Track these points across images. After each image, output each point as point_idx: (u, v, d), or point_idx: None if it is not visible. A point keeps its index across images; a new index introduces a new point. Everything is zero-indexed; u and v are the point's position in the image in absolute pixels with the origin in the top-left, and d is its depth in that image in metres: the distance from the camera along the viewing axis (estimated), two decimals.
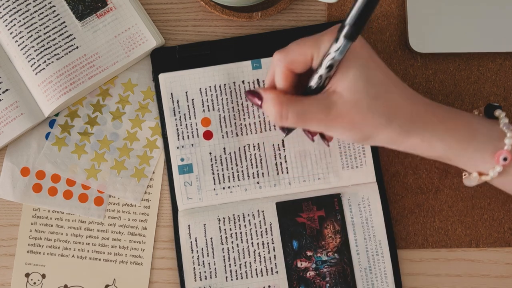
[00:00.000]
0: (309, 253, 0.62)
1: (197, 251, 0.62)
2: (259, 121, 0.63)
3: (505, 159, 0.54)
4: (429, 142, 0.54)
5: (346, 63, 0.52)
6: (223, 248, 0.62)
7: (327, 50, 0.52)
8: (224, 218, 0.63)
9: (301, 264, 0.62)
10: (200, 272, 0.62)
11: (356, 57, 0.52)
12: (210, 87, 0.63)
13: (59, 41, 0.62)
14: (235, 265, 0.62)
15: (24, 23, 0.62)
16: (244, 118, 0.63)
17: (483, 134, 0.54)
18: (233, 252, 0.62)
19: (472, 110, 0.64)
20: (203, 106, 0.63)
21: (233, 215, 0.63)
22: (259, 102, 0.56)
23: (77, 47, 0.63)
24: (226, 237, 0.63)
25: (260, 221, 0.63)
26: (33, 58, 0.62)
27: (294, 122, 0.53)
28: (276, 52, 0.55)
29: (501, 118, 0.56)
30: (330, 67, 0.52)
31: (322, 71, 0.52)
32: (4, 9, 0.62)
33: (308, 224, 0.62)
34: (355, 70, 0.52)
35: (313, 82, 0.54)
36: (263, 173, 0.63)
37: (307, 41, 0.54)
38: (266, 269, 0.62)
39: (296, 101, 0.53)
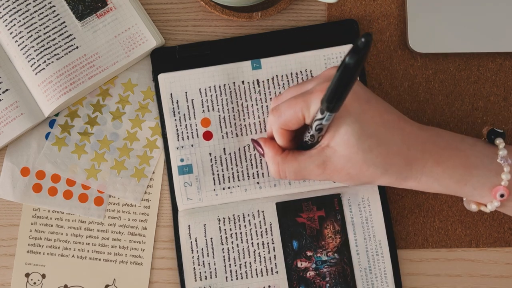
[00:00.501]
0: (309, 253, 0.62)
1: (197, 251, 0.62)
2: (259, 121, 0.63)
3: (502, 195, 0.54)
4: (426, 184, 0.55)
5: (338, 119, 0.53)
6: (223, 248, 0.62)
7: (316, 111, 0.52)
8: (224, 218, 0.63)
9: (301, 264, 0.62)
10: (200, 272, 0.62)
11: (347, 113, 0.53)
12: (210, 87, 0.63)
13: (59, 41, 0.62)
14: (235, 265, 0.62)
15: (24, 23, 0.62)
16: (244, 119, 0.63)
17: (481, 169, 0.55)
18: (233, 252, 0.62)
19: (472, 110, 0.64)
20: (202, 107, 0.63)
21: (233, 215, 0.63)
22: (262, 152, 0.59)
23: (77, 47, 0.63)
24: (226, 237, 0.63)
25: (260, 221, 0.63)
26: (33, 58, 0.62)
27: (292, 179, 0.57)
28: (270, 110, 0.57)
29: (500, 148, 0.55)
30: (319, 130, 0.53)
31: (313, 131, 0.53)
32: (4, 9, 0.62)
33: (308, 224, 0.62)
34: (347, 126, 0.52)
35: (307, 139, 0.55)
36: (263, 173, 0.63)
37: (297, 102, 0.54)
38: (266, 269, 0.62)
39: (291, 160, 0.56)
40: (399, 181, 0.55)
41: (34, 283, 0.63)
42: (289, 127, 0.55)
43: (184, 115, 0.63)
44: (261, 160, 0.63)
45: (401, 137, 0.54)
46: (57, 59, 0.62)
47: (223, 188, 0.63)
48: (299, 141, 0.57)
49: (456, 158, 0.55)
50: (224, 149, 0.63)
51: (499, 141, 0.56)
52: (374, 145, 0.53)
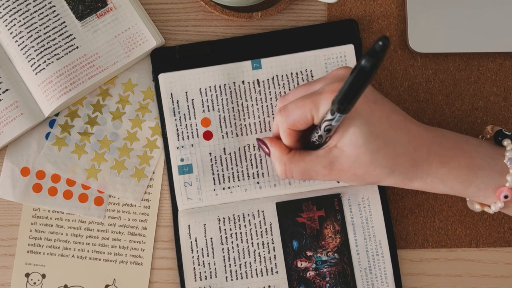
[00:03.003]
0: (309, 253, 0.62)
1: (197, 251, 0.62)
2: (259, 121, 0.63)
3: (506, 196, 0.54)
4: (432, 185, 0.55)
5: (347, 120, 0.53)
6: (223, 248, 0.62)
7: (325, 112, 0.52)
8: (224, 218, 0.63)
9: (301, 264, 0.62)
10: (200, 272, 0.62)
11: (356, 114, 0.53)
12: (210, 87, 0.63)
13: (59, 41, 0.62)
14: (235, 265, 0.62)
15: (24, 23, 0.62)
16: (244, 119, 0.63)
17: (486, 170, 0.55)
18: (233, 252, 0.62)
19: (472, 110, 0.64)
20: (203, 106, 0.63)
21: (233, 215, 0.63)
22: (268, 152, 0.59)
23: (77, 47, 0.63)
24: (226, 237, 0.63)
25: (260, 221, 0.63)
26: (33, 58, 0.62)
27: (299, 179, 0.57)
28: (277, 110, 0.57)
29: (507, 150, 0.55)
30: (328, 131, 0.53)
31: (321, 132, 0.53)
32: (4, 9, 0.62)
33: (308, 224, 0.62)
34: (355, 127, 0.53)
35: (314, 139, 0.55)
36: (263, 173, 0.63)
37: (306, 102, 0.54)
38: (266, 269, 0.62)
39: (298, 160, 0.56)
40: (405, 181, 0.55)
41: (34, 283, 0.63)
42: (297, 128, 0.55)
43: (184, 115, 0.63)
44: (261, 160, 0.63)
45: (407, 138, 0.54)
46: (57, 59, 0.62)
47: (223, 188, 0.63)
48: (306, 141, 0.57)
49: (461, 158, 0.55)
50: (224, 149, 0.63)
51: (507, 143, 0.56)
52: (381, 146, 0.53)
